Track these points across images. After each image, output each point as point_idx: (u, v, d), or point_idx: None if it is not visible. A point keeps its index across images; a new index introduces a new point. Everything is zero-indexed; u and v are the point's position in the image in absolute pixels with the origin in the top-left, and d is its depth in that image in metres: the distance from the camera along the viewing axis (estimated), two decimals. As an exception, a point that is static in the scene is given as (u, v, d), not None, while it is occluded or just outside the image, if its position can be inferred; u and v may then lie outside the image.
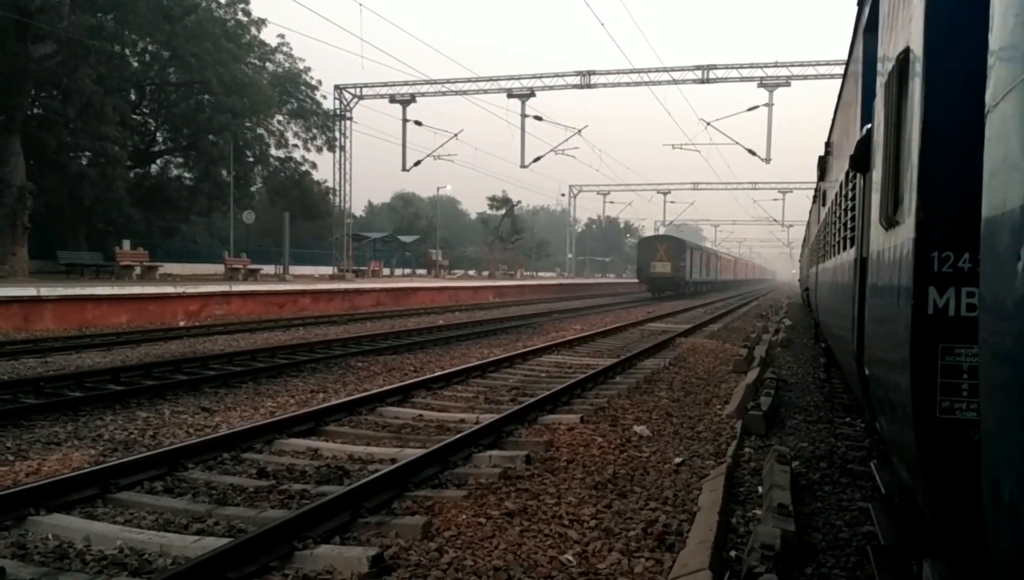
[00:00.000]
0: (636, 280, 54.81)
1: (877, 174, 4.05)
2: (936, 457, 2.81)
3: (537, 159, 45.32)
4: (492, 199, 79.47)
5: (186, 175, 47.70)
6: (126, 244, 32.96)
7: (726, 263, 76.17)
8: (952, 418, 2.74)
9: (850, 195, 6.47)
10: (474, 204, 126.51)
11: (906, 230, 3.00)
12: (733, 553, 4.85)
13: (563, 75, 41.57)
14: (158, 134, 46.68)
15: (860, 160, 5.07)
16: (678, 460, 7.09)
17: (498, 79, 42.28)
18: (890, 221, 3.48)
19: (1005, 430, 1.74)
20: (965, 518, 2.56)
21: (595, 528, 5.19)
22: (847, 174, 6.65)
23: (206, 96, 42.70)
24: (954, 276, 2.72)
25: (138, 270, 29.70)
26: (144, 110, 45.55)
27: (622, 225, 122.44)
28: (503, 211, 78.48)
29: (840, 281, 7.33)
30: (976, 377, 2.54)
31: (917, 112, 2.90)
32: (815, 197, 17.29)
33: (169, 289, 22.56)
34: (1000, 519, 1.75)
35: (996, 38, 1.89)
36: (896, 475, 4.18)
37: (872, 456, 6.66)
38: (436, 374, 11.47)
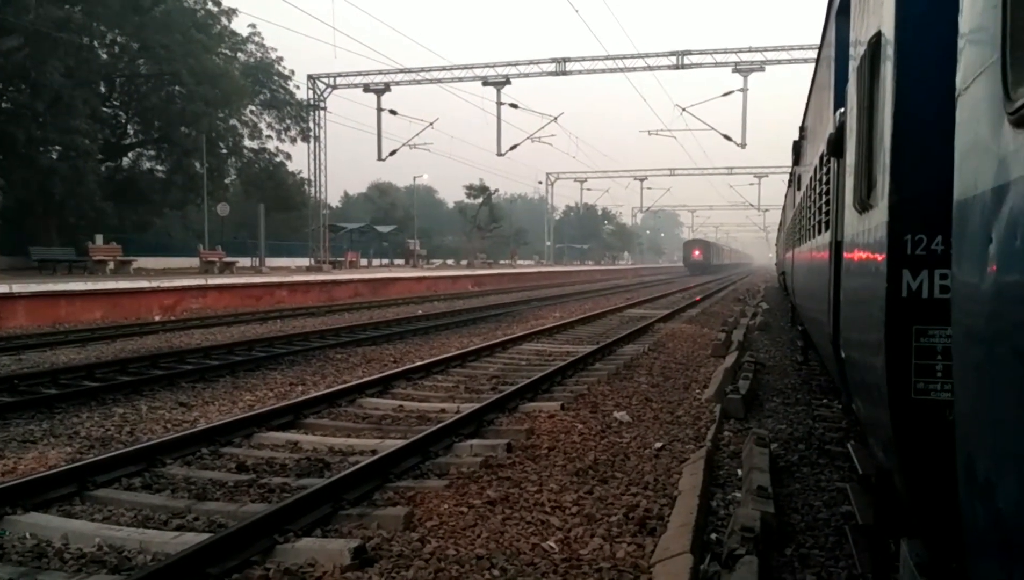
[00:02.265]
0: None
1: (851, 158, 4.08)
2: (911, 437, 2.84)
3: (513, 147, 45.25)
4: (469, 188, 79.31)
5: (158, 168, 47.13)
6: (99, 239, 32.46)
7: (727, 252, 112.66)
8: (926, 399, 2.77)
9: (824, 179, 6.52)
10: (451, 193, 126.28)
11: (880, 213, 3.03)
12: (714, 536, 4.89)
13: (538, 62, 41.46)
14: (129, 127, 46.06)
15: (834, 144, 5.10)
16: (658, 445, 7.13)
17: (473, 67, 42.11)
18: (864, 205, 3.51)
19: (978, 409, 1.76)
20: (941, 497, 2.60)
21: (577, 514, 5.21)
22: (821, 158, 6.69)
23: (177, 87, 42.15)
24: (927, 258, 2.74)
25: (111, 265, 29.31)
26: (114, 102, 44.89)
27: (600, 212, 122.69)
28: (480, 200, 78.34)
29: (816, 265, 7.39)
30: (950, 358, 2.57)
31: (889, 96, 2.91)
32: (790, 181, 17.39)
33: (143, 283, 22.32)
34: (975, 497, 1.77)
35: (966, 21, 1.90)
36: (873, 455, 4.22)
37: (849, 437, 6.73)
38: (416, 364, 11.45)
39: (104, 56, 41.67)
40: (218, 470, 6.33)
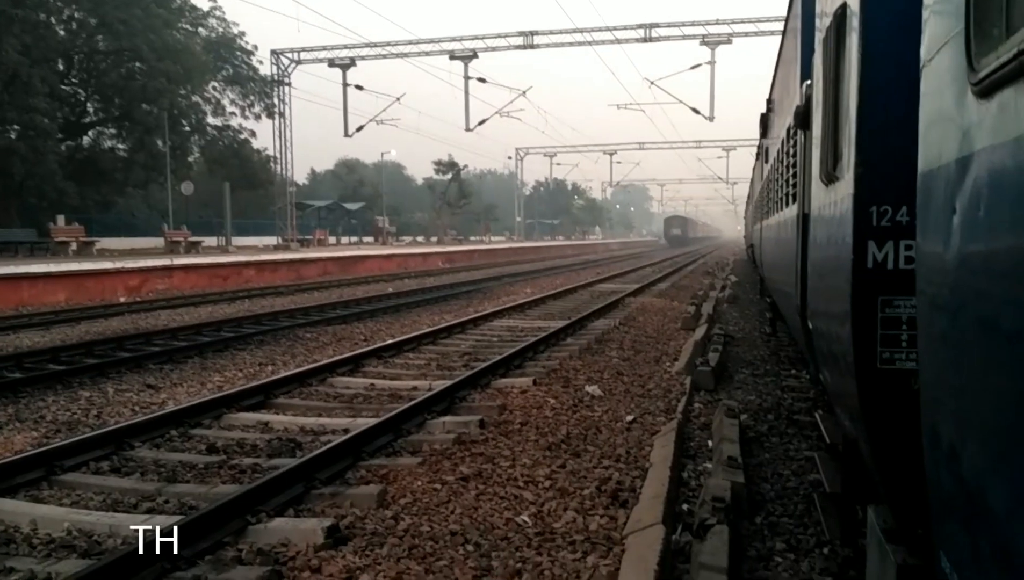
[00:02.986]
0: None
1: (817, 130, 4.10)
2: (877, 406, 2.88)
3: (482, 122, 45.00)
4: (438, 164, 78.76)
5: (120, 146, 46.28)
6: (60, 219, 31.91)
7: (701, 226, 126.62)
8: (892, 368, 2.81)
9: (791, 152, 6.55)
10: (420, 169, 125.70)
11: (845, 185, 3.05)
12: (685, 506, 4.96)
13: (506, 36, 41.10)
14: (89, 104, 45.12)
15: (800, 117, 5.12)
16: (630, 418, 7.19)
17: (440, 41, 41.66)
18: (830, 177, 3.53)
19: (942, 378, 1.79)
20: (907, 464, 2.64)
21: (550, 488, 5.24)
22: (788, 131, 6.73)
23: (137, 64, 41.32)
24: (892, 230, 2.77)
25: (74, 246, 28.82)
26: (73, 80, 43.90)
27: (569, 187, 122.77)
28: (449, 176, 77.85)
29: (783, 237, 7.45)
30: (915, 328, 2.60)
31: (854, 68, 2.92)
32: (758, 154, 17.49)
33: (107, 264, 21.96)
34: (939, 464, 1.80)
35: (930, -8, 1.91)
36: (840, 425, 4.29)
37: (817, 407, 6.84)
38: (387, 342, 11.41)
39: (62, 33, 40.72)
40: (188, 452, 6.27)
